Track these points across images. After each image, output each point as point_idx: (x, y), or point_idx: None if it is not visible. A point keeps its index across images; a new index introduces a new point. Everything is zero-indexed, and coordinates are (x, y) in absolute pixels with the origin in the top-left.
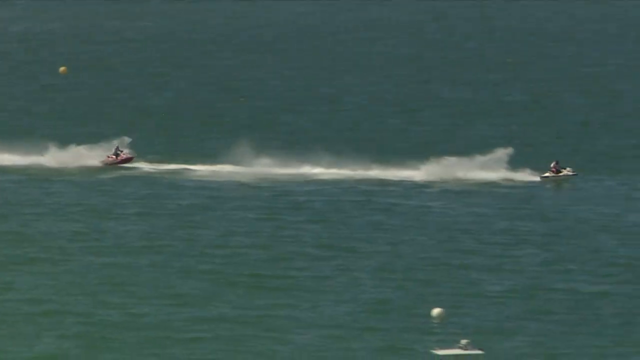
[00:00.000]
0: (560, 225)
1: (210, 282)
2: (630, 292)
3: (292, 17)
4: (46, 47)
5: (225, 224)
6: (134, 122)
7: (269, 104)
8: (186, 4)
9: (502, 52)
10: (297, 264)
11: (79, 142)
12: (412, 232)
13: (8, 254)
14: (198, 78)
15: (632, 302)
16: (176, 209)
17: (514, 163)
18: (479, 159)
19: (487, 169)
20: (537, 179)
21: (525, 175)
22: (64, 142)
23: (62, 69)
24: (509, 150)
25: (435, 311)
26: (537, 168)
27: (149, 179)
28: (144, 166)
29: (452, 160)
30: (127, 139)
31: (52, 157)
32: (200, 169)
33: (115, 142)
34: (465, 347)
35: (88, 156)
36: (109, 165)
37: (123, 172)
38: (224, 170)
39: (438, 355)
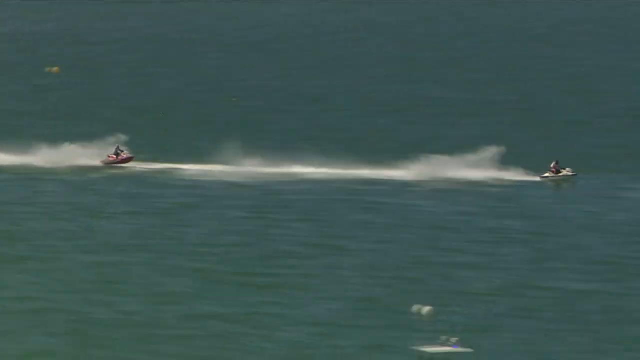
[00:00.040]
0: (547, 223)
1: (200, 280)
2: (616, 290)
3: (282, 18)
4: (37, 48)
5: (215, 223)
6: (124, 122)
7: (259, 104)
8: (177, 5)
9: (489, 52)
10: (286, 262)
11: (71, 142)
12: (400, 231)
13: None
14: (188, 78)
15: (618, 300)
16: (166, 208)
17: (503, 162)
18: (468, 158)
19: (476, 169)
20: (526, 178)
21: (514, 174)
22: (55, 141)
23: (55, 68)
24: (498, 150)
25: (416, 307)
26: (527, 167)
27: (139, 179)
28: (135, 165)
29: (440, 159)
30: (122, 137)
31: (43, 157)
32: (191, 169)
33: (113, 140)
34: (447, 344)
35: (79, 155)
36: (109, 165)
37: (114, 171)
38: (214, 169)
39: (426, 353)
